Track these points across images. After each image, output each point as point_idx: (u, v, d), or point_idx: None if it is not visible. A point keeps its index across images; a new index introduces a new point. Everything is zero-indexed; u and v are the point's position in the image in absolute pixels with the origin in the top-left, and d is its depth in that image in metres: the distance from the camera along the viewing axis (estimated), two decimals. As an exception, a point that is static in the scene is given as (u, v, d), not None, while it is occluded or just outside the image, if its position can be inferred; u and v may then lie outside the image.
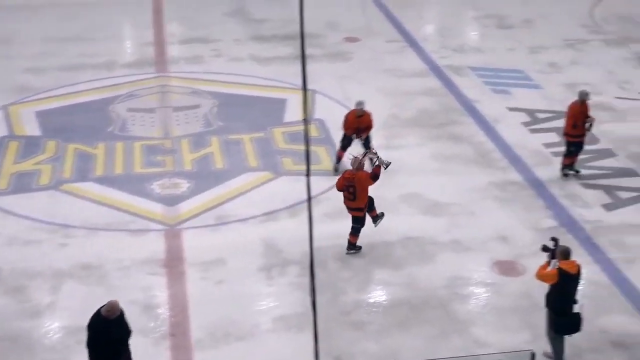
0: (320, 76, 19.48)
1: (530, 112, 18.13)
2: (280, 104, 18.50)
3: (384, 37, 22.95)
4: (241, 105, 18.49)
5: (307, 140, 6.99)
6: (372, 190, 12.93)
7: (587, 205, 14.52)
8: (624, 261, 12.94)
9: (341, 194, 12.89)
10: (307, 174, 7.05)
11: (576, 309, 10.45)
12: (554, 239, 10.50)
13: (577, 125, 14.94)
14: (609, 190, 15.04)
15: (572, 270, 10.21)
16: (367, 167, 13.15)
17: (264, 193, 14.97)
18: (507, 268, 12.69)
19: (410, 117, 17.93)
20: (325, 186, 14.93)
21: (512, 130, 17.33)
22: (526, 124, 17.62)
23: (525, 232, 13.63)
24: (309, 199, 7.22)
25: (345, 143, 15.41)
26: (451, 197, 14.70)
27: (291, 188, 14.80)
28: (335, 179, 13.41)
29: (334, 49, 22.00)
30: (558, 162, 15.68)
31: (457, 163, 15.95)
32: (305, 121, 6.86)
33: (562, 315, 10.40)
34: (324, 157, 16.13)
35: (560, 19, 24.60)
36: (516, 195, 14.85)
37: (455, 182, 15.22)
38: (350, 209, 13.07)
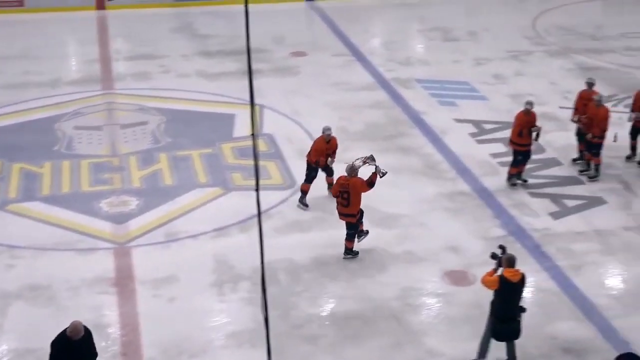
0: (267, 91, 19.51)
1: (476, 123, 18.34)
2: (229, 119, 18.45)
3: (331, 51, 23.07)
4: (189, 121, 18.41)
5: (255, 155, 7.00)
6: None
7: (534, 214, 14.71)
8: (572, 268, 13.13)
9: (287, 208, 12.90)
10: (257, 189, 7.06)
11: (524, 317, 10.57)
12: (502, 247, 10.63)
13: (523, 134, 15.16)
14: (555, 198, 15.25)
15: (514, 279, 10.28)
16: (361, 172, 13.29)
17: (214, 209, 14.90)
18: (458, 278, 12.79)
19: (358, 130, 18.02)
20: (276, 200, 14.95)
21: (460, 141, 17.51)
22: (473, 134, 17.81)
23: (474, 242, 13.75)
24: (259, 214, 7.23)
25: (313, 175, 14.82)
26: (401, 208, 14.78)
27: (241, 203, 14.75)
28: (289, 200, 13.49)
29: (281, 63, 22.04)
30: (505, 171, 15.87)
31: (407, 175, 16.05)
32: (254, 136, 6.87)
33: (502, 322, 10.48)
34: (273, 172, 16.12)
35: (503, 31, 24.99)
36: (465, 205, 14.99)
37: (405, 194, 15.31)
38: (343, 215, 13.26)
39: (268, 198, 14.83)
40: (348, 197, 13.00)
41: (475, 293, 12.15)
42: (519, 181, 15.62)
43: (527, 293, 12.34)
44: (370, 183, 13.09)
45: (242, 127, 17.87)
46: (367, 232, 13.53)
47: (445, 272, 12.99)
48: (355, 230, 13.29)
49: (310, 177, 14.78)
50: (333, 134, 14.96)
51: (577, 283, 12.76)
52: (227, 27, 24.37)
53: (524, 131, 15.15)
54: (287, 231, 14.08)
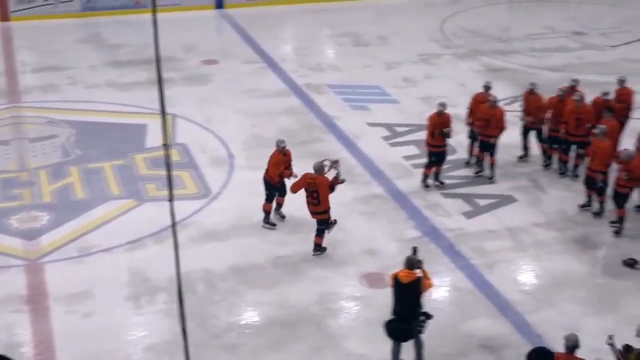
0: (179, 100, 19.36)
1: (389, 127, 18.54)
2: (141, 129, 18.22)
3: (242, 58, 23.03)
4: (100, 133, 18.12)
5: (168, 166, 6.94)
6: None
7: (448, 214, 14.94)
8: (486, 266, 13.37)
9: (203, 217, 12.78)
10: (170, 199, 6.99)
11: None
12: (414, 249, 10.76)
13: (436, 135, 15.39)
14: (467, 198, 15.52)
15: (405, 280, 10.39)
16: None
17: (128, 221, 14.69)
18: (375, 280, 12.89)
19: (272, 137, 17.88)
20: (191, 210, 14.83)
21: (373, 145, 17.67)
22: (386, 138, 18.00)
23: (390, 244, 13.89)
24: (174, 224, 7.16)
25: (273, 194, 14.45)
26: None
27: (156, 214, 14.57)
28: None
29: (193, 72, 21.89)
30: (418, 173, 16.08)
31: (321, 180, 16.10)
32: (166, 146, 6.81)
33: (397, 322, 10.59)
34: (188, 182, 15.98)
35: (413, 35, 25.35)
36: (380, 208, 15.13)
37: (320, 199, 15.35)
38: (314, 214, 13.49)
39: (183, 208, 14.69)
40: (318, 195, 13.25)
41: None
42: (436, 183, 15.82)
43: (444, 292, 12.64)
44: (331, 187, 13.36)
45: (154, 137, 17.66)
46: (335, 221, 13.73)
47: (362, 275, 13.08)
48: (325, 226, 13.56)
49: (270, 196, 14.45)
50: (247, 141, 14.92)
51: (491, 280, 13.00)
52: (137, 36, 24.10)
53: (436, 132, 15.39)
54: (203, 241, 13.99)
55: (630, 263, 13.35)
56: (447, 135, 15.42)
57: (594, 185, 14.64)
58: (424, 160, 16.05)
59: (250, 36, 25.03)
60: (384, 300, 12.18)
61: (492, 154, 16.03)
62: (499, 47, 24.42)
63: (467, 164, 16.59)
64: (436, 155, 15.60)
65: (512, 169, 16.54)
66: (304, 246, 13.81)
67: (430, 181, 15.78)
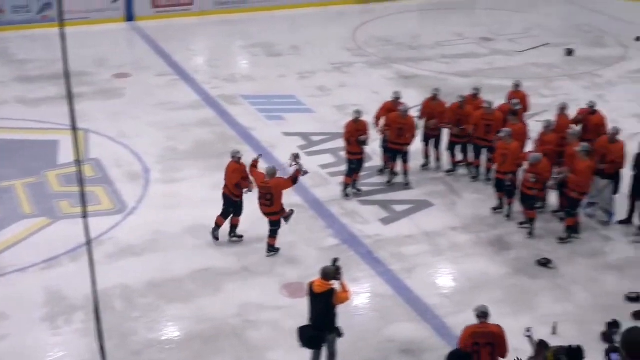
0: (92, 114, 19.07)
1: (304, 136, 18.60)
2: (53, 146, 17.84)
3: (154, 71, 22.81)
4: (10, 151, 17.68)
5: (81, 182, 6.82)
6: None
7: (365, 221, 15.06)
8: (404, 271, 13.52)
9: (119, 233, 12.60)
10: (84, 216, 6.88)
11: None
12: (334, 260, 10.80)
13: (352, 142, 15.49)
14: (384, 204, 15.67)
15: (316, 290, 10.48)
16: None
17: (43, 239, 14.36)
18: (295, 289, 12.87)
19: (187, 149, 17.89)
20: (107, 226, 14.60)
21: (289, 154, 17.60)
22: (302, 147, 18.02)
23: (309, 253, 13.92)
24: (89, 241, 7.05)
25: (231, 210, 14.18)
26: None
27: (71, 231, 14.26)
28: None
29: (104, 86, 21.58)
30: (335, 182, 16.18)
31: (239, 191, 16.05)
32: (78, 162, 6.69)
33: (303, 327, 10.70)
34: (102, 197, 15.72)
35: (325, 44, 25.51)
36: (298, 217, 15.09)
37: (238, 210, 15.30)
38: (267, 214, 13.67)
39: (99, 224, 14.45)
40: (271, 197, 13.42)
41: (313, 303, 12.29)
42: (353, 190, 15.93)
43: (364, 299, 12.72)
44: (294, 179, 13.65)
45: (66, 153, 17.28)
46: (292, 211, 13.89)
47: (282, 285, 13.07)
48: (278, 227, 13.75)
49: (227, 212, 14.22)
50: (162, 154, 14.78)
51: (410, 285, 13.15)
52: (45, 51, 23.64)
53: (353, 140, 15.50)
54: (120, 256, 13.78)
55: (543, 263, 13.68)
56: (364, 143, 15.54)
57: (504, 188, 14.97)
58: (341, 168, 16.14)
59: (162, 48, 24.82)
60: (306, 310, 12.23)
61: (405, 161, 16.23)
62: (410, 54, 24.77)
63: (381, 171, 16.72)
64: (355, 162, 15.71)
65: (426, 174, 16.78)
66: (223, 259, 13.74)
67: (349, 189, 15.88)
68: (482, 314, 10.08)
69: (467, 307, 12.46)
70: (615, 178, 14.77)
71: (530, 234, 14.52)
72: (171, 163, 17.13)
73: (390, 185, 16.34)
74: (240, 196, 14.10)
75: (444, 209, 15.57)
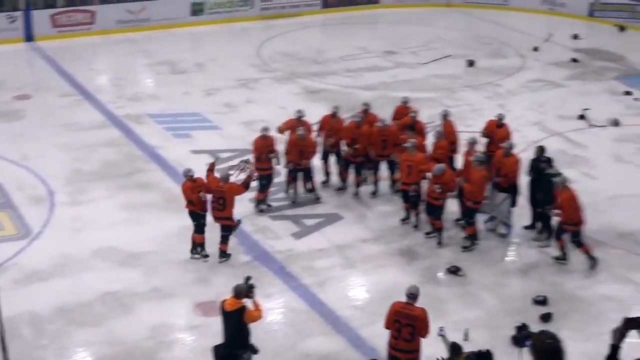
0: (-8, 138, 18.58)
1: (213, 153, 18.42)
2: (-49, 171, 17.32)
3: (57, 92, 22.39)
4: None
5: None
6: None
7: (277, 237, 15.05)
8: (317, 285, 13.55)
9: (24, 258, 12.30)
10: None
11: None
12: (247, 278, 10.77)
13: (262, 159, 15.47)
14: (295, 219, 15.70)
15: (227, 308, 10.47)
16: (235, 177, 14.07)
17: (-56, 268, 13.90)
18: (209, 308, 12.73)
19: (94, 170, 17.58)
20: (12, 252, 14.22)
21: (198, 172, 17.43)
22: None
23: (222, 271, 13.83)
24: (-7, 267, 6.86)
25: (202, 222, 14.21)
26: (146, 246, 14.56)
27: (-26, 259, 13.88)
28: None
29: (4, 108, 21.09)
30: (246, 198, 16.09)
31: (148, 211, 15.86)
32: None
33: (217, 346, 10.72)
34: (6, 222, 15.31)
35: (230, 60, 25.50)
36: (209, 235, 14.97)
37: (148, 231, 15.10)
38: (218, 219, 13.91)
39: (3, 250, 14.09)
40: (224, 202, 13.68)
41: (227, 321, 12.21)
42: (263, 206, 15.90)
43: (278, 314, 12.69)
44: (246, 185, 14.10)
45: (-34, 179, 16.84)
46: (240, 221, 14.25)
47: (196, 305, 12.94)
48: (229, 232, 14.03)
49: (200, 226, 14.18)
50: (67, 176, 14.49)
51: (323, 299, 13.18)
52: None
53: (263, 156, 15.50)
54: (27, 282, 13.42)
55: (453, 270, 13.91)
56: (274, 158, 15.57)
57: (410, 199, 15.20)
58: (252, 184, 16.07)
59: (64, 68, 24.38)
60: (220, 328, 12.15)
61: (310, 178, 16.32)
62: (315, 69, 24.95)
63: (286, 192, 16.63)
64: (266, 178, 15.70)
65: (336, 186, 16.87)
66: (133, 280, 13.52)
67: (261, 205, 15.85)
68: (411, 295, 10.47)
69: (380, 318, 12.52)
70: (511, 191, 15.09)
71: (439, 244, 14.76)
72: (77, 185, 16.81)
73: (294, 204, 16.31)
74: (203, 208, 14.11)
75: (354, 222, 15.68)
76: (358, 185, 16.60)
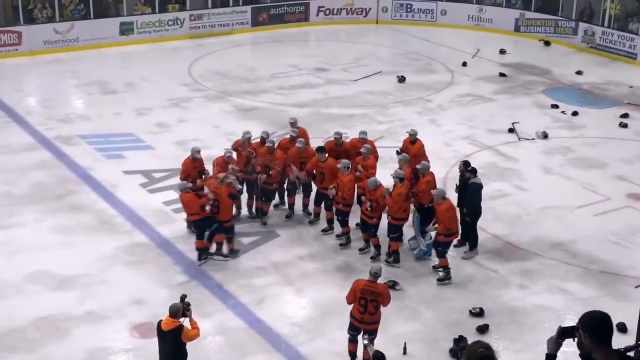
0: None
1: (146, 173, 18.31)
2: None
3: (-16, 114, 21.93)
4: None
5: None
6: None
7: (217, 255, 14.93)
8: (255, 302, 13.48)
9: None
10: None
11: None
12: (182, 296, 10.71)
13: (189, 179, 15.30)
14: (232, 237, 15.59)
15: (163, 327, 10.45)
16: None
17: None
18: (146, 330, 12.56)
19: (24, 193, 17.23)
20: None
21: (131, 193, 17.36)
22: (144, 185, 17.76)
23: (159, 291, 13.66)
24: None
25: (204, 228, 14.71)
26: (79, 268, 14.31)
27: None
28: None
29: None
30: (180, 218, 15.98)
31: (81, 233, 15.61)
32: None
33: None
34: None
35: (161, 80, 25.31)
36: (145, 256, 14.86)
37: (81, 253, 14.86)
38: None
39: None
40: (219, 204, 14.21)
41: (165, 343, 12.07)
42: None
43: (216, 333, 12.57)
44: (231, 196, 14.65)
45: None
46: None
47: (133, 327, 12.75)
48: (232, 233, 14.83)
49: (202, 233, 14.67)
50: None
51: (261, 316, 13.12)
52: None
53: (191, 177, 15.32)
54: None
55: (391, 285, 13.98)
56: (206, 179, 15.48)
57: (341, 218, 15.30)
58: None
59: (-10, 90, 23.90)
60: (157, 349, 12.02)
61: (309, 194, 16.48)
62: (246, 87, 24.93)
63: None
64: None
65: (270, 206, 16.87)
66: (66, 304, 13.25)
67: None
68: (376, 275, 11.56)
69: (319, 334, 12.64)
70: (422, 211, 14.97)
71: (373, 258, 14.80)
72: (7, 208, 16.46)
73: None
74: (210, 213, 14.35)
75: (291, 239, 15.66)
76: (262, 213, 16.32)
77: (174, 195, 17.04)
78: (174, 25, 30.28)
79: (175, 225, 15.92)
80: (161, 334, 10.45)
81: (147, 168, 18.60)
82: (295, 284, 14.17)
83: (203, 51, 28.90)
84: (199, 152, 15.61)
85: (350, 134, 18.45)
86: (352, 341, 11.91)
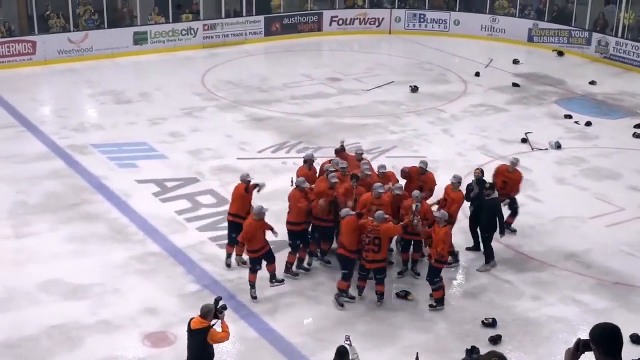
0: None
1: (159, 182, 18.35)
2: None
3: (-2, 123, 22.05)
4: None
5: None
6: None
7: (226, 265, 14.90)
8: (267, 312, 13.46)
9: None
10: None
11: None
12: (217, 299, 10.95)
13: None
14: (244, 247, 15.58)
15: (192, 326, 10.62)
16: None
17: None
18: (158, 339, 12.61)
19: (38, 202, 17.29)
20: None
21: (144, 202, 17.40)
22: (156, 194, 17.79)
23: (171, 301, 13.68)
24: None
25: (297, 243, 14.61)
26: (92, 277, 14.34)
27: None
28: None
29: (-56, 140, 20.67)
30: (193, 227, 16.02)
31: (94, 242, 15.64)
32: None
33: None
34: (-53, 257, 14.99)
35: (174, 89, 25.37)
36: (157, 265, 14.88)
37: (94, 262, 14.89)
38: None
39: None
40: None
41: (176, 351, 12.08)
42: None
43: (229, 344, 12.53)
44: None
45: None
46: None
47: (144, 336, 12.76)
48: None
49: (295, 245, 14.61)
50: (10, 209, 14.15)
51: (274, 326, 13.10)
52: None
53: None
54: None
55: (402, 295, 13.96)
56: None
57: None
58: (198, 213, 16.00)
59: (5, 99, 23.99)
60: (170, 358, 12.04)
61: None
62: (260, 96, 24.96)
63: None
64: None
65: (285, 213, 16.80)
66: (79, 313, 13.27)
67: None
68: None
69: (331, 344, 12.54)
70: None
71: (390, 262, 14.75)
72: (21, 217, 16.51)
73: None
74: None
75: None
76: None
77: (187, 204, 17.11)
78: (188, 35, 30.38)
79: (188, 234, 15.94)
80: (189, 331, 10.64)
81: (160, 177, 18.63)
82: (307, 294, 14.14)
83: (216, 61, 28.97)
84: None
85: (364, 144, 18.36)
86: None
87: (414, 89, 25.72)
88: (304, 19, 33.00)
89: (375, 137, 21.32)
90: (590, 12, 30.79)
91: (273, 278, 14.13)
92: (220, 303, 10.83)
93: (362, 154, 16.15)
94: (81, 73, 27.00)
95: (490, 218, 14.80)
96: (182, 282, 14.36)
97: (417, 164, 15.54)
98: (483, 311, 13.57)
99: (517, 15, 32.72)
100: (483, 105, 24.70)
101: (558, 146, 21.01)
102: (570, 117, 23.52)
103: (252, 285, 13.82)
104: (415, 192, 14.37)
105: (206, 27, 30.72)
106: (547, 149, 20.96)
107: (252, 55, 30.22)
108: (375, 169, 15.36)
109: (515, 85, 26.67)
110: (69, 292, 13.89)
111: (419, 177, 15.34)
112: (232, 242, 14.47)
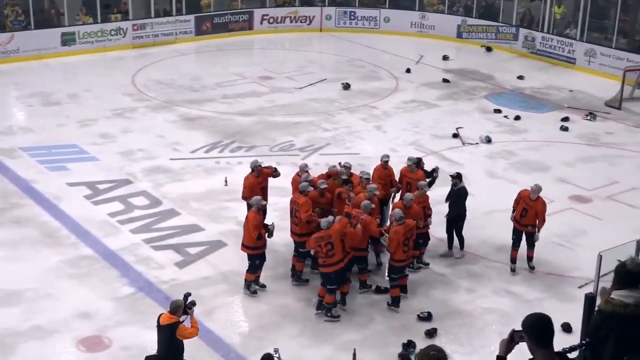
0: None
1: (90, 185, 18.08)
2: None
3: None
4: None
5: None
6: None
7: (161, 267, 14.80)
8: (204, 313, 13.34)
9: None
10: None
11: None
12: (186, 295, 10.99)
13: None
14: (178, 248, 15.48)
15: (161, 321, 10.76)
16: None
17: None
18: (93, 344, 12.44)
19: (-35, 207, 16.92)
20: None
21: (76, 205, 17.13)
22: (88, 196, 17.52)
23: (105, 304, 13.51)
24: None
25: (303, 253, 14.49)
26: (24, 283, 14.07)
27: None
28: None
29: None
30: (126, 230, 15.85)
31: (25, 247, 15.35)
32: None
33: (150, 357, 11.16)
34: None
35: (104, 90, 25.04)
36: (90, 269, 14.67)
37: (25, 267, 14.61)
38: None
39: None
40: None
41: (111, 356, 11.94)
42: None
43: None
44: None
45: None
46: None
47: (79, 341, 12.57)
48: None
49: (302, 254, 14.51)
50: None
51: (211, 327, 13.02)
52: None
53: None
54: None
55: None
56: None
57: None
58: (132, 215, 15.83)
59: None
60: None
61: None
62: (192, 96, 24.78)
63: None
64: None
65: (219, 213, 16.78)
66: (11, 319, 13.01)
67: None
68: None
69: (270, 343, 12.57)
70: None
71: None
72: (-53, 224, 16.15)
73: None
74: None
75: (238, 248, 15.54)
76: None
77: (120, 206, 16.91)
78: (117, 35, 29.99)
79: (122, 237, 15.76)
80: (159, 327, 10.73)
81: (91, 179, 18.36)
82: (243, 293, 14.10)
83: (147, 61, 28.67)
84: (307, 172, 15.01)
85: (297, 142, 18.37)
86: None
87: (346, 87, 25.84)
88: (234, 17, 32.87)
89: (309, 135, 21.36)
90: (516, 8, 31.34)
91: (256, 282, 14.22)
92: (190, 299, 10.93)
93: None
94: (8, 75, 26.43)
95: (461, 207, 15.12)
96: (116, 285, 14.19)
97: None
98: (418, 305, 13.72)
99: (446, 12, 33.12)
100: (414, 101, 24.94)
101: (488, 140, 21.34)
102: (499, 111, 23.91)
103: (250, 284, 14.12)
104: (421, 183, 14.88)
105: (136, 27, 30.38)
106: (477, 143, 21.27)
107: (183, 55, 29.99)
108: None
109: (445, 81, 27.00)
110: (1, 299, 13.61)
111: (409, 176, 15.64)
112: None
